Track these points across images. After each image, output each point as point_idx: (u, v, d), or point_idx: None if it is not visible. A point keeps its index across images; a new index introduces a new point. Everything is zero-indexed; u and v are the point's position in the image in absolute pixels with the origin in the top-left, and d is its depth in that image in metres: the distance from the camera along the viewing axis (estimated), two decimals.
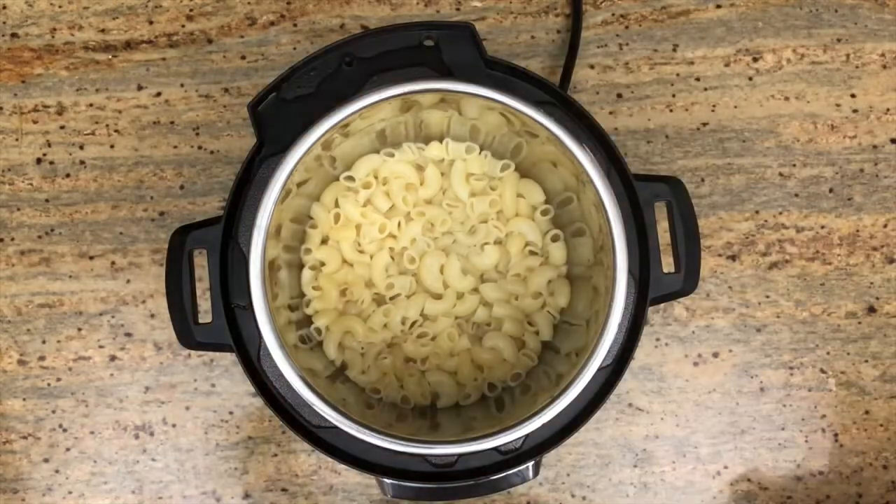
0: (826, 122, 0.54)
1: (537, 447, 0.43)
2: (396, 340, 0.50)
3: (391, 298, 0.50)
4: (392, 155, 0.49)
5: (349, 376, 0.49)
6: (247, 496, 0.53)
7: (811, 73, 0.54)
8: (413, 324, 0.49)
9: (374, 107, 0.42)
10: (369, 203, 0.50)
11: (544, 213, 0.50)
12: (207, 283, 0.42)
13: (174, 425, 0.53)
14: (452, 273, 0.49)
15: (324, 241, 0.50)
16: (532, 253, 0.50)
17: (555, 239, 0.50)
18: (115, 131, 0.54)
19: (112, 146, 0.54)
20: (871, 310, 0.54)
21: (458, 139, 0.49)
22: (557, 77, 0.53)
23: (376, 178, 0.50)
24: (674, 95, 0.54)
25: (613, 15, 0.55)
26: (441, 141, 0.49)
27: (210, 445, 0.53)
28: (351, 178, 0.49)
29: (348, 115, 0.41)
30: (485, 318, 0.50)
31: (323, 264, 0.50)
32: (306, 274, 0.50)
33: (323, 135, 0.41)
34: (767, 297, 0.54)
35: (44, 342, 0.54)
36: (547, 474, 0.53)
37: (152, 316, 0.54)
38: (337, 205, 0.50)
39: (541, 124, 0.42)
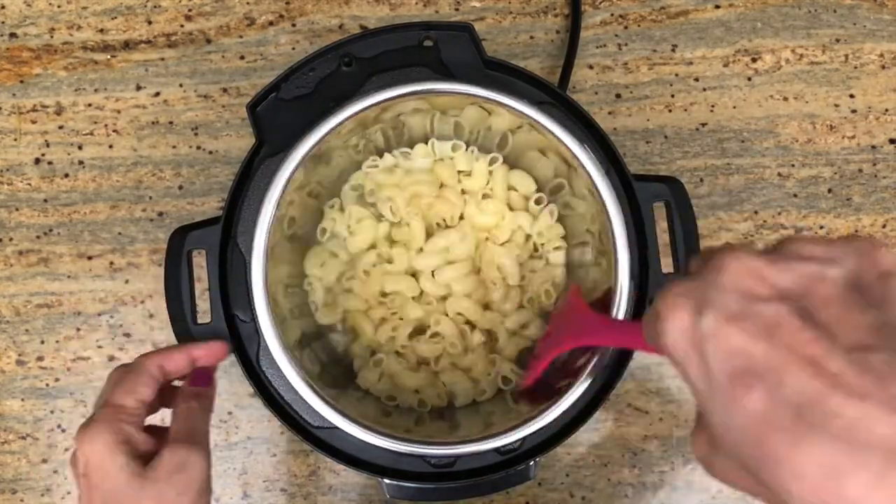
0: (825, 123, 0.54)
1: (536, 448, 0.43)
2: (406, 344, 0.49)
3: (398, 302, 0.49)
4: (376, 165, 0.49)
5: (360, 385, 0.49)
6: (245, 496, 0.53)
7: (810, 74, 0.54)
8: (420, 328, 0.49)
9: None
10: (374, 207, 0.50)
11: (538, 201, 0.49)
12: (206, 283, 0.42)
13: None
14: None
15: (329, 245, 0.50)
16: (534, 252, 0.50)
17: None
18: (114, 131, 0.54)
19: (111, 146, 0.54)
20: None
21: (443, 138, 0.49)
22: (556, 77, 0.53)
23: (377, 184, 0.50)
24: (673, 96, 0.54)
25: (612, 15, 0.55)
26: (426, 142, 0.49)
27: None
28: (353, 187, 0.49)
29: (348, 116, 0.41)
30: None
31: (328, 267, 0.49)
32: (311, 276, 0.50)
33: (324, 136, 0.41)
34: None
35: (42, 342, 0.53)
36: (546, 475, 0.53)
37: (151, 316, 0.53)
38: (342, 208, 0.50)
39: (540, 124, 0.42)
